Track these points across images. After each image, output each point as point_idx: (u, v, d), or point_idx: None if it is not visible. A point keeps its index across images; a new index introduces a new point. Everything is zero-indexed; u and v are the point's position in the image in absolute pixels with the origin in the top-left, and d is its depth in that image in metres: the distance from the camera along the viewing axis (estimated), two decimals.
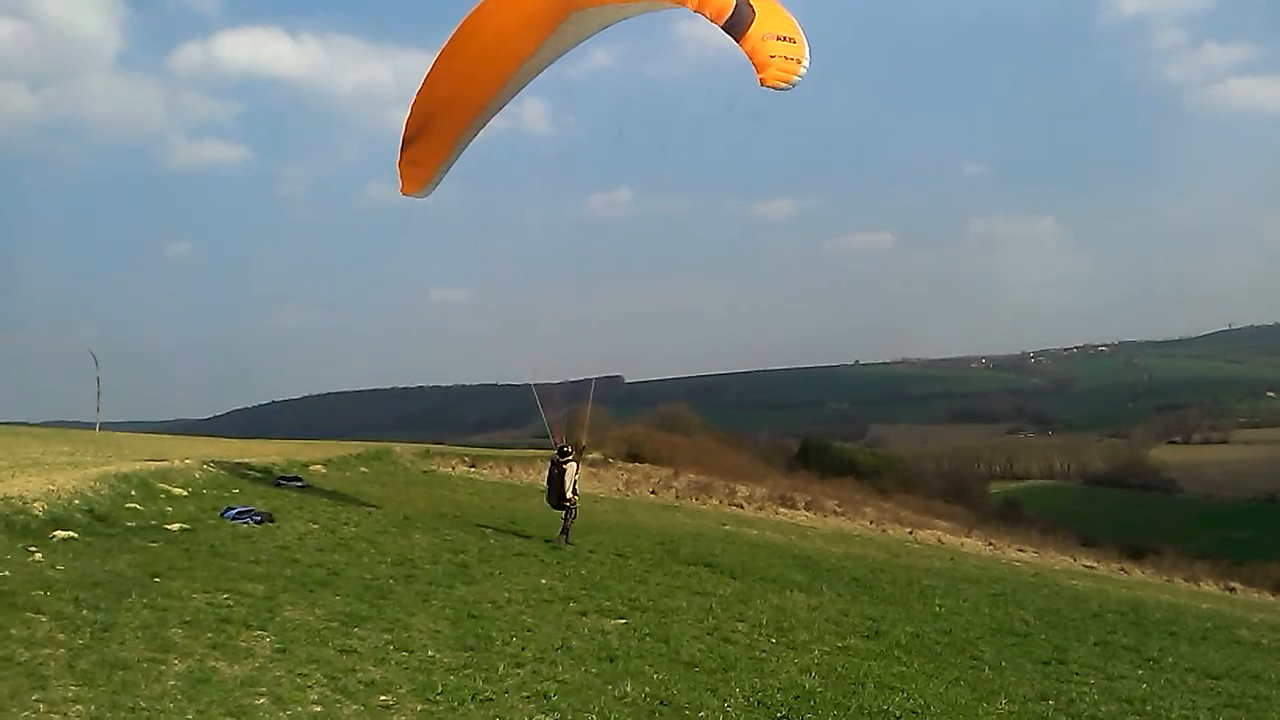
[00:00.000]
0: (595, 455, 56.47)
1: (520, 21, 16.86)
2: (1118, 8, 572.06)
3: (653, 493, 44.89)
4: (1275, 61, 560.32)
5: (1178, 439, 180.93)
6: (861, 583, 19.36)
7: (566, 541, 18.85)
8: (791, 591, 16.68)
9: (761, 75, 14.12)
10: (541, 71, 17.88)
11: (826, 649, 12.18)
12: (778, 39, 14.28)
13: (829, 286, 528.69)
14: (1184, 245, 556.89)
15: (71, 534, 13.17)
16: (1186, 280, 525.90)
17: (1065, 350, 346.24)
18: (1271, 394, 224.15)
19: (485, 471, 42.08)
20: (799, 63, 14.29)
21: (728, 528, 30.97)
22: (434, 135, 18.30)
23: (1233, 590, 42.64)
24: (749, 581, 17.24)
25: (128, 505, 15.84)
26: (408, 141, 18.46)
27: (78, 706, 7.35)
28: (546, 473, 19.65)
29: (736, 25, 14.35)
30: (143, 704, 7.54)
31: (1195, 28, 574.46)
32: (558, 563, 16.47)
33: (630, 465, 56.38)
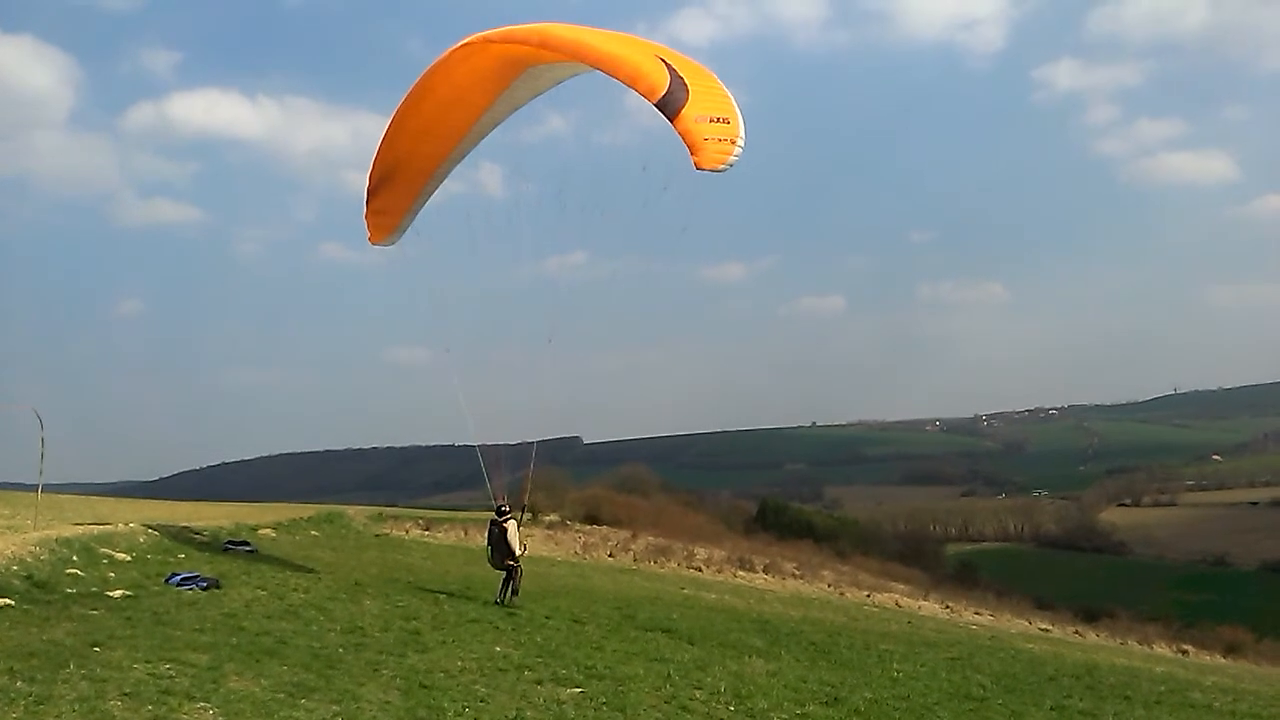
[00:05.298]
0: (552, 517, 55.93)
1: (474, 79, 17.29)
2: (1051, 86, 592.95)
3: (610, 555, 44.50)
4: (1202, 137, 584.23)
5: (1127, 501, 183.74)
6: (820, 647, 19.26)
7: (514, 597, 18.60)
8: (750, 657, 16.52)
9: (696, 158, 14.13)
10: (499, 124, 18.28)
11: (785, 716, 12.06)
12: (711, 120, 14.34)
13: (784, 349, 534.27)
14: (1129, 311, 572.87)
15: (8, 602, 12.73)
16: (1132, 345, 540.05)
17: (1016, 414, 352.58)
18: (1217, 457, 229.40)
19: (440, 535, 41.46)
20: (733, 143, 14.32)
21: (686, 591, 30.72)
22: (398, 185, 18.59)
23: (1185, 653, 43.13)
24: (707, 647, 17.07)
25: (68, 571, 15.34)
26: (372, 192, 18.71)
27: None
28: (487, 533, 19.43)
29: (669, 105, 14.39)
30: None
31: (1127, 104, 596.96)
32: (513, 629, 16.18)
33: (588, 528, 55.94)
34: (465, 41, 16.96)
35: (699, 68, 15.53)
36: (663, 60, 14.93)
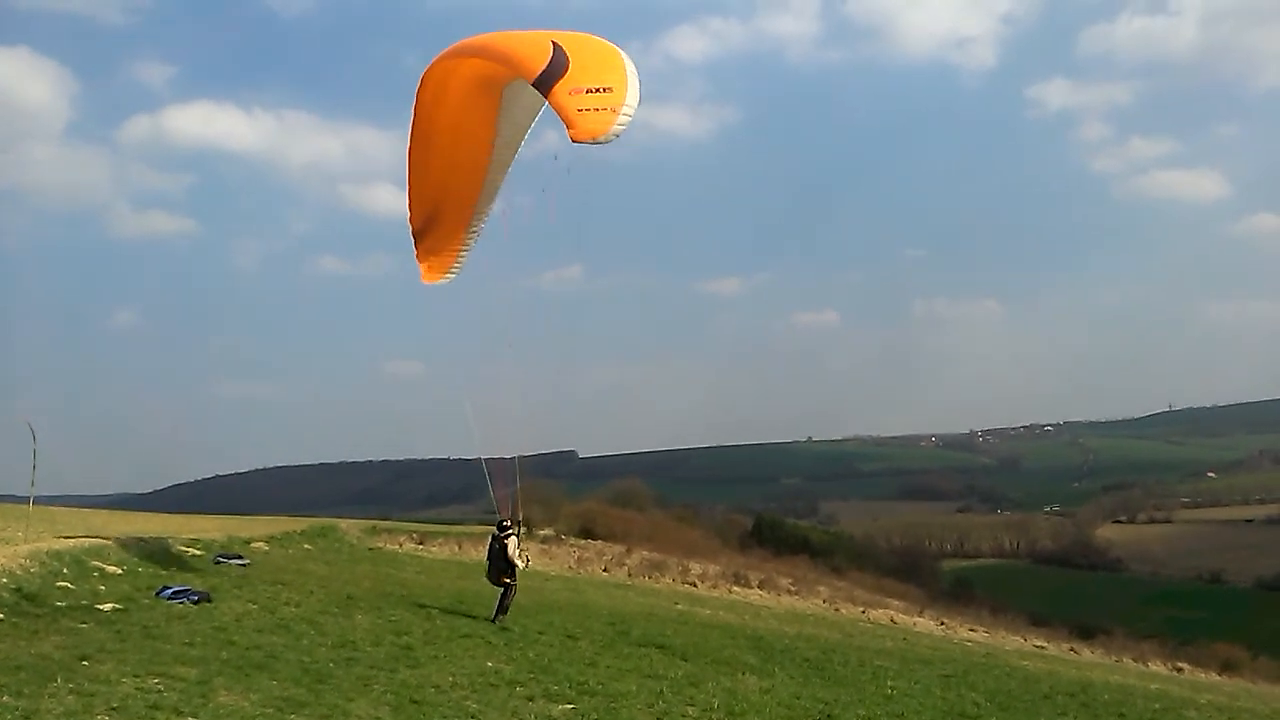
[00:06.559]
0: (547, 531, 55.81)
1: (466, 104, 17.07)
2: (1043, 105, 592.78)
3: (605, 570, 44.39)
4: (1194, 155, 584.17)
5: (1123, 518, 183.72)
6: (814, 664, 19.19)
7: (502, 616, 18.44)
8: (743, 674, 16.46)
9: (571, 132, 13.14)
10: (518, 146, 17.97)
11: None
12: (588, 91, 13.43)
13: (779, 363, 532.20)
14: (1124, 328, 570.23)
15: None
16: (1127, 362, 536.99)
17: (1012, 430, 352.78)
18: (1212, 474, 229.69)
19: (434, 549, 41.34)
20: (614, 112, 13.22)
21: (680, 607, 30.62)
22: (445, 223, 18.26)
23: (1180, 670, 43.06)
24: (701, 664, 16.99)
25: (58, 584, 15.24)
26: (420, 234, 18.35)
27: None
28: (487, 548, 19.25)
29: (544, 84, 13.61)
30: None
31: (1119, 122, 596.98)
32: (505, 645, 16.11)
33: (583, 542, 55.79)
34: (430, 67, 16.93)
35: (595, 43, 14.88)
36: (553, 42, 14.26)
